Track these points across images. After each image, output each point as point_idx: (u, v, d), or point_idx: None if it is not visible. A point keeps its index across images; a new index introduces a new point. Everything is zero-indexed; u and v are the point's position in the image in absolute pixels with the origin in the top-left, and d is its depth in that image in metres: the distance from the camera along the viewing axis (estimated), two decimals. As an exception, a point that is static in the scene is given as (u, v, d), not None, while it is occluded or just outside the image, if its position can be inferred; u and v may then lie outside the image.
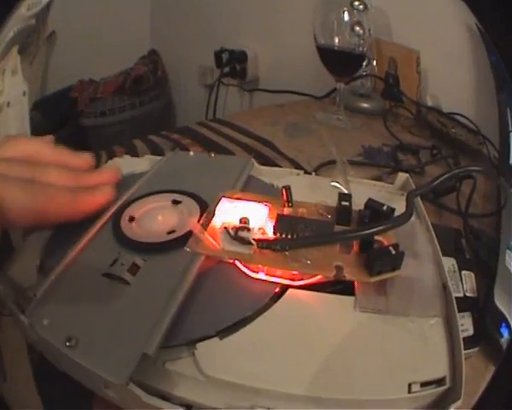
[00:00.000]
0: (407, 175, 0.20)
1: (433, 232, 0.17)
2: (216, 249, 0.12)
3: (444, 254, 0.21)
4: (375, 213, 0.15)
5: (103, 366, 0.09)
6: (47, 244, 0.14)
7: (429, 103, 0.33)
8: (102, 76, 0.51)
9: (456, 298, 0.19)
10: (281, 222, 0.14)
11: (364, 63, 0.34)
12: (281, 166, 0.23)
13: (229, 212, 0.14)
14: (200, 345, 0.09)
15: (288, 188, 0.15)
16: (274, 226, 0.14)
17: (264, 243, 0.13)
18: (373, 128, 0.32)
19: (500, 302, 0.19)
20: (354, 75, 0.35)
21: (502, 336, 0.19)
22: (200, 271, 0.12)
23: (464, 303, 0.19)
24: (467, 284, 0.20)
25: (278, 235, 0.14)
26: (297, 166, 0.23)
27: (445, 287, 0.14)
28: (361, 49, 0.33)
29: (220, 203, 0.15)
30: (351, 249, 0.14)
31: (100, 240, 0.14)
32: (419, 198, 0.18)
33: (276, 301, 0.12)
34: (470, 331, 0.19)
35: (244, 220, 0.14)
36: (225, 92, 0.46)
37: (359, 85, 0.36)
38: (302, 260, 0.13)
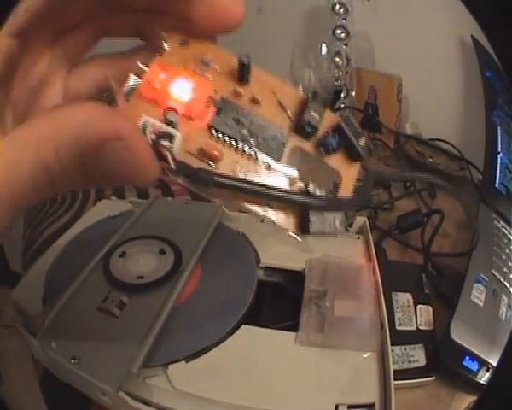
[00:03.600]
0: (365, 219, 0.25)
1: (378, 275, 0.22)
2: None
3: (401, 290, 0.27)
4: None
5: (100, 378, 0.14)
6: (49, 277, 0.20)
7: (408, 132, 0.40)
8: None
9: (409, 331, 0.26)
10: (223, 113, 0.12)
11: (343, 95, 0.41)
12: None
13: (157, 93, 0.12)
14: (171, 366, 0.15)
15: (244, 60, 0.12)
16: (212, 116, 0.12)
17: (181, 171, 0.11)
18: None
19: (459, 336, 0.23)
20: (333, 108, 0.42)
21: (467, 368, 0.23)
22: (174, 307, 0.18)
23: (417, 336, 0.24)
24: (421, 318, 0.25)
25: (214, 130, 0.12)
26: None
27: (382, 326, 0.19)
28: (339, 82, 0.40)
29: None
30: None
31: (93, 278, 0.20)
32: (372, 243, 0.24)
33: (231, 334, 0.18)
34: (422, 362, 0.24)
35: (169, 108, 0.11)
36: None
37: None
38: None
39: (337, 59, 0.39)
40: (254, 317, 0.21)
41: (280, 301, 0.23)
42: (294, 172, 0.13)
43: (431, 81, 0.40)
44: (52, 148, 0.10)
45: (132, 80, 0.12)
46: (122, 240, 0.23)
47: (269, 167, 0.12)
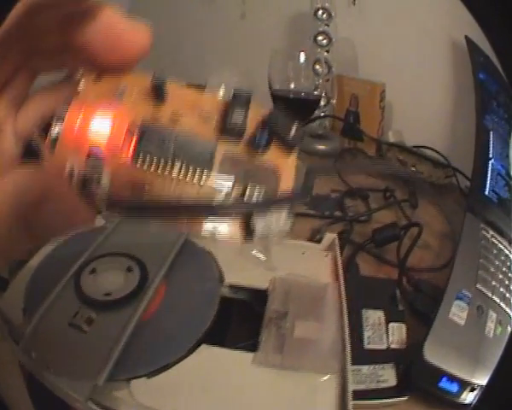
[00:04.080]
0: (334, 236, 0.25)
1: (343, 294, 0.21)
2: None
3: (372, 307, 0.27)
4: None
5: (71, 388, 0.16)
6: (28, 290, 0.21)
7: (391, 139, 0.39)
8: None
9: (378, 350, 0.25)
10: (146, 139, 0.12)
11: (323, 103, 0.41)
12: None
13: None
14: (134, 381, 0.17)
15: (157, 78, 0.12)
16: (134, 146, 0.12)
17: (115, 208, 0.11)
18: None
19: (433, 356, 0.22)
20: (311, 118, 0.42)
21: (444, 389, 0.22)
22: (138, 324, 0.19)
23: (387, 355, 0.23)
24: (393, 336, 0.25)
25: (140, 159, 0.12)
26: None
27: (344, 349, 0.19)
28: (318, 91, 0.40)
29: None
30: None
31: (66, 293, 0.21)
32: (339, 261, 0.24)
33: (191, 353, 0.18)
34: (392, 382, 0.24)
35: (91, 152, 0.12)
36: None
37: (317, 126, 0.43)
38: None
39: (317, 66, 0.39)
40: (220, 334, 0.21)
41: (247, 320, 0.23)
42: (230, 180, 0.13)
43: (417, 87, 0.40)
44: None
45: (57, 128, 0.12)
46: (93, 256, 0.24)
47: (202, 180, 0.13)
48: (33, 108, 0.13)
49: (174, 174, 0.12)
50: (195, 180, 0.13)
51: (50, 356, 0.17)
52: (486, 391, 0.21)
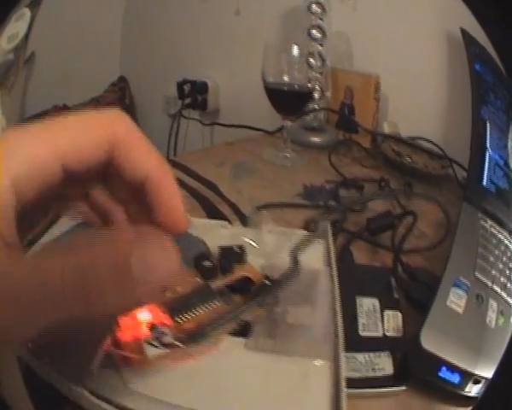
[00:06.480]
0: (327, 223, 0.25)
1: (335, 280, 0.21)
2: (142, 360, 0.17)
3: (368, 295, 0.26)
4: (228, 254, 0.22)
5: (66, 376, 0.17)
6: None
7: (386, 131, 0.40)
8: (76, 102, 0.61)
9: (374, 338, 0.25)
10: (171, 310, 0.19)
11: (317, 96, 0.41)
12: (220, 211, 0.30)
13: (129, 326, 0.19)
14: (125, 369, 0.17)
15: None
16: (168, 315, 0.19)
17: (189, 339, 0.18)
18: (320, 164, 0.37)
19: (431, 344, 0.21)
20: (305, 110, 0.41)
21: (445, 379, 0.21)
22: None
23: (383, 343, 0.23)
24: (389, 324, 0.25)
25: (178, 319, 0.19)
26: (236, 210, 0.30)
27: (336, 335, 0.19)
28: (311, 84, 0.40)
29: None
30: None
31: None
32: (332, 247, 0.24)
33: None
34: (388, 371, 0.23)
35: (151, 325, 0.18)
36: (187, 123, 0.56)
37: (311, 119, 0.43)
38: None
39: (311, 60, 0.39)
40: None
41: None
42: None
43: (412, 78, 0.40)
44: (88, 255, 0.12)
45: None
46: None
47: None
48: None
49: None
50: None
51: (46, 348, 0.17)
52: (492, 384, 0.21)
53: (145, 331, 0.18)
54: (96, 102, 0.60)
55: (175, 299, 0.20)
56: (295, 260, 0.21)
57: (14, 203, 0.12)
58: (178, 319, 0.19)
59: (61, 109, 0.59)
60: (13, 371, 0.20)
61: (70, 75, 0.56)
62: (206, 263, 0.21)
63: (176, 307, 0.19)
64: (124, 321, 0.18)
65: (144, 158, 0.15)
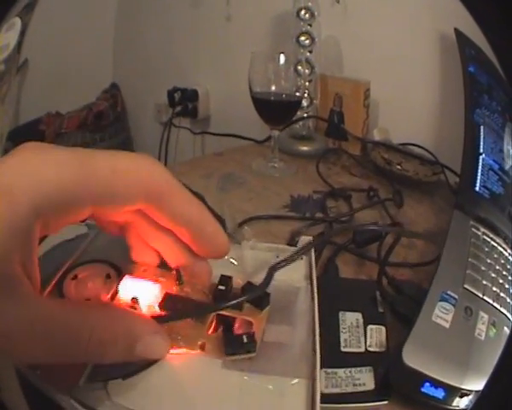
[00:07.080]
0: (310, 238, 0.24)
1: (315, 300, 0.21)
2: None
3: (351, 309, 0.26)
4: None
5: (57, 388, 0.17)
6: None
7: (376, 138, 0.39)
8: (69, 109, 0.62)
9: (355, 353, 0.25)
10: (166, 301, 0.20)
11: (306, 104, 0.41)
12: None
13: (128, 289, 0.21)
14: (111, 382, 0.18)
15: (178, 269, 0.21)
16: (159, 304, 0.20)
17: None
18: (309, 173, 0.37)
19: (413, 360, 0.21)
20: (293, 119, 0.41)
21: (428, 395, 0.21)
22: None
23: (365, 358, 0.23)
24: (372, 339, 0.25)
25: (163, 312, 0.19)
26: (222, 223, 0.30)
27: (314, 352, 0.19)
28: (299, 93, 0.40)
29: (123, 280, 0.21)
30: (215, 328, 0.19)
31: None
32: (313, 264, 0.24)
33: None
34: (370, 386, 0.23)
35: (134, 300, 0.20)
36: (177, 131, 0.56)
37: (300, 127, 0.43)
38: (174, 335, 0.19)
39: (299, 67, 0.39)
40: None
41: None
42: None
43: (404, 83, 0.39)
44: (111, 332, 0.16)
45: None
46: (76, 263, 0.25)
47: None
48: None
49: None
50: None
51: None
52: (484, 395, 0.21)
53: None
54: (89, 110, 0.60)
55: (175, 296, 0.21)
56: (269, 277, 0.21)
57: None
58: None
59: (54, 117, 0.59)
60: (11, 376, 0.20)
61: (63, 82, 0.56)
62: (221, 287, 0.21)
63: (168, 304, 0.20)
64: None
65: (186, 206, 0.17)
